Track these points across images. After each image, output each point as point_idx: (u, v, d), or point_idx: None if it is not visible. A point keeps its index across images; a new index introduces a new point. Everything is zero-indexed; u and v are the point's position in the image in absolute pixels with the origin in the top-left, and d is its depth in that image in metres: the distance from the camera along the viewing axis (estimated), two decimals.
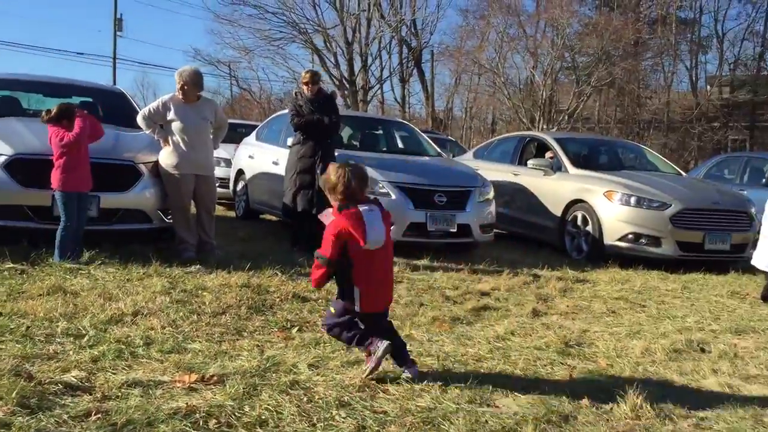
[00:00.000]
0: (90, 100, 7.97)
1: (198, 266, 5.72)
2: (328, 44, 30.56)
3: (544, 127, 26.99)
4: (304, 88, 7.22)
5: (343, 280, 3.43)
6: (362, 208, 3.31)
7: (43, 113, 5.69)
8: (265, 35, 30.11)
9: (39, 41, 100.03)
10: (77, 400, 2.84)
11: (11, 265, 5.15)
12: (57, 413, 2.67)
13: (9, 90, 7.81)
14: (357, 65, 31.14)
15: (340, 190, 3.36)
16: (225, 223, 8.97)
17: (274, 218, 9.56)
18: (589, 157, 9.67)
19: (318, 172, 6.95)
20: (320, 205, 6.98)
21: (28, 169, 5.75)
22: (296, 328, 4.23)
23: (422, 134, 9.81)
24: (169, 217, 6.41)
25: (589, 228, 8.07)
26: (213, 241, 6.55)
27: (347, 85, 30.65)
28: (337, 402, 3.02)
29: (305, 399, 3.05)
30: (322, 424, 2.80)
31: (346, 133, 9.27)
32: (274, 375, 3.33)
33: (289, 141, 7.62)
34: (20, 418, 2.59)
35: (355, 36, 30.81)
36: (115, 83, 28.18)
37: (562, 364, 3.92)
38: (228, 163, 11.05)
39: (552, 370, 3.81)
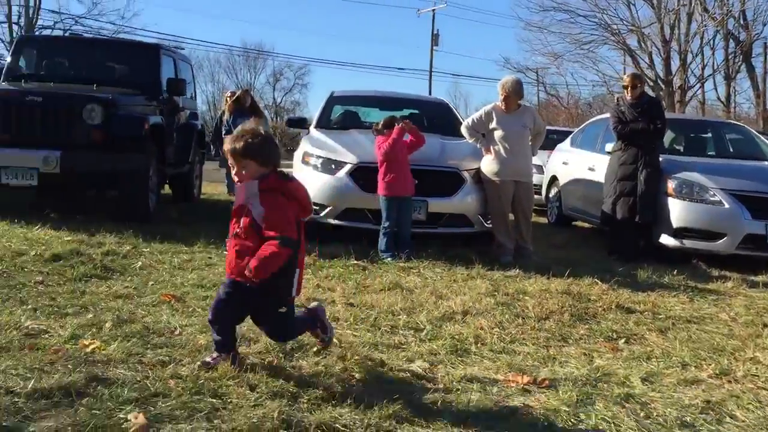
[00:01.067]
0: (417, 111, 8.62)
1: (517, 270, 5.85)
2: (642, 44, 29.10)
3: None
4: (626, 92, 6.98)
5: (287, 265, 2.94)
6: None
7: (374, 125, 6.38)
8: (575, 39, 29.73)
9: (366, 60, 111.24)
10: (423, 388, 3.09)
11: (355, 262, 5.77)
12: (407, 399, 2.94)
13: (349, 105, 8.79)
14: (674, 64, 29.13)
15: (273, 156, 2.94)
16: (538, 229, 8.99)
17: (587, 225, 9.38)
18: None
19: (641, 179, 6.67)
20: (643, 213, 6.70)
21: (368, 175, 6.41)
22: (623, 340, 4.09)
23: (760, 136, 8.82)
24: (488, 221, 6.66)
25: None
26: (530, 246, 6.65)
27: (662, 86, 28.82)
28: (678, 421, 2.86)
29: (642, 414, 2.94)
30: None
31: (668, 136, 8.72)
32: (605, 386, 3.26)
33: (608, 147, 7.43)
34: (378, 399, 2.89)
35: (673, 33, 28.82)
36: (430, 95, 30.02)
37: None
38: (540, 169, 11.10)
39: None
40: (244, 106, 10.17)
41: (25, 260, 4.97)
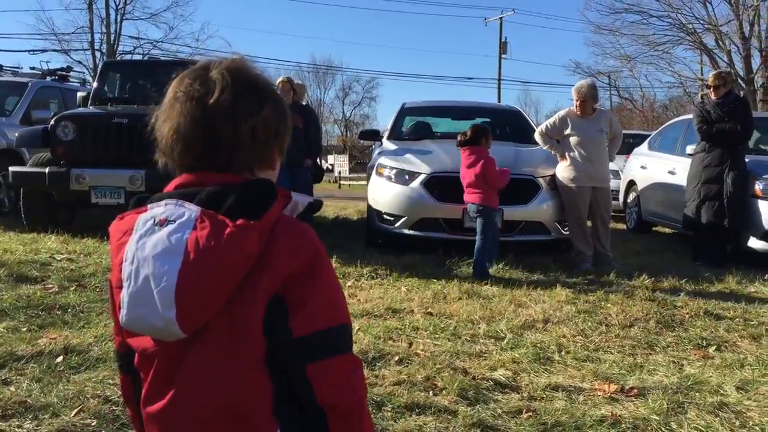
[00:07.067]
0: (489, 120, 8.57)
1: (597, 277, 5.72)
2: (720, 42, 28.05)
3: None
4: (710, 92, 6.75)
5: None
6: None
7: (459, 137, 5.99)
8: (648, 41, 28.91)
9: (434, 71, 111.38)
10: (507, 397, 3.06)
11: (431, 271, 5.77)
12: (492, 407, 2.92)
13: (421, 116, 8.82)
14: (755, 62, 27.95)
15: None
16: (616, 235, 8.77)
17: (668, 230, 9.09)
18: None
19: (728, 182, 6.42)
20: (732, 217, 6.45)
21: (442, 185, 6.40)
22: (714, 347, 3.95)
23: None
24: (565, 228, 6.54)
25: None
26: (610, 253, 6.50)
27: (743, 85, 27.69)
28: None
29: (737, 423, 2.83)
30: None
31: (753, 136, 8.38)
32: (697, 394, 3.15)
33: (689, 149, 7.20)
34: (462, 407, 2.88)
35: (753, 30, 27.69)
36: (499, 102, 29.77)
37: None
38: (616, 174, 10.83)
39: None
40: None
41: None
